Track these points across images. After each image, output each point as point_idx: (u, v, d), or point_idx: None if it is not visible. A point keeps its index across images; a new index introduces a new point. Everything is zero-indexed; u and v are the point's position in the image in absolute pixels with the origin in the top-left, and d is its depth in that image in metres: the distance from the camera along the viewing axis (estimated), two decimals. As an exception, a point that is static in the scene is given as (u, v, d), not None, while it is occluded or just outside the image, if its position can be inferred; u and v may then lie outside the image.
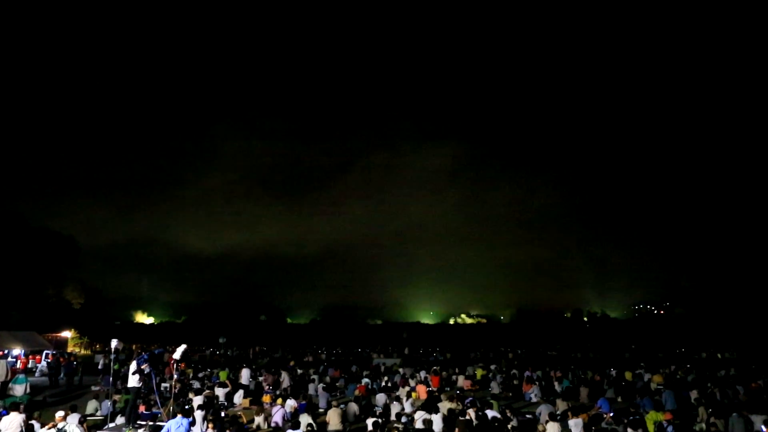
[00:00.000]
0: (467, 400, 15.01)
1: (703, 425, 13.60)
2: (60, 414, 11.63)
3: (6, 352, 28.55)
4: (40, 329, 35.82)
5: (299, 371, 26.71)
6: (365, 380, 22.64)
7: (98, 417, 15.31)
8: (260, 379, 23.01)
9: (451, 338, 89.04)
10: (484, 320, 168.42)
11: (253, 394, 19.15)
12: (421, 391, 18.50)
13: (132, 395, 13.55)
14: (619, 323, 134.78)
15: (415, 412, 14.31)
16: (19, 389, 17.06)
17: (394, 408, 15.63)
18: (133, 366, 13.59)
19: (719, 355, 46.88)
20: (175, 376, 16.37)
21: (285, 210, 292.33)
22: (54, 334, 41.37)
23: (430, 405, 14.39)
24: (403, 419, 14.09)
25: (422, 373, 25.03)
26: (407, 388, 18.78)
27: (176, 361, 15.50)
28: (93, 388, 21.97)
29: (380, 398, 17.38)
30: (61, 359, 27.33)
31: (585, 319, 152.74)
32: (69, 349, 41.42)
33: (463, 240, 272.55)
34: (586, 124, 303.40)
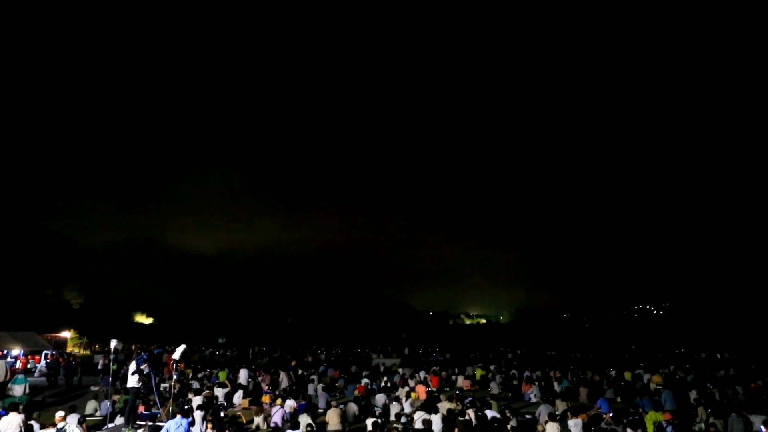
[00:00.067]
0: (467, 401, 15.00)
1: (703, 425, 13.60)
2: (60, 414, 11.62)
3: (5, 352, 28.52)
4: (39, 329, 35.76)
5: (300, 371, 26.67)
6: (365, 380, 22.63)
7: (97, 417, 15.29)
8: (258, 379, 23.00)
9: (451, 338, 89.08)
10: (483, 320, 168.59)
11: (253, 395, 19.13)
12: (421, 392, 18.48)
13: (131, 395, 13.55)
14: (618, 323, 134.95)
15: (414, 412, 14.30)
16: (18, 389, 17.04)
17: (394, 408, 15.62)
18: (132, 366, 13.60)
19: (718, 356, 46.90)
20: (175, 377, 16.35)
21: (285, 210, 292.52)
22: (53, 335, 41.34)
23: (429, 405, 14.38)
24: (403, 419, 14.08)
25: (422, 374, 25.02)
26: (407, 389, 18.76)
27: (175, 361, 15.50)
28: (92, 388, 21.95)
29: (380, 398, 17.37)
30: (61, 359, 27.31)
31: (584, 319, 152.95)
32: (68, 350, 41.39)
33: (463, 240, 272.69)
34: (584, 127, 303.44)
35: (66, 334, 45.12)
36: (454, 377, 25.38)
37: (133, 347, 47.96)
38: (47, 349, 31.47)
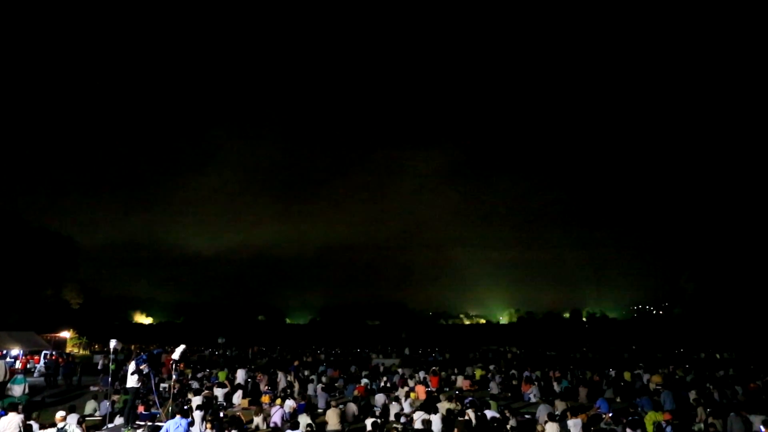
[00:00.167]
0: (466, 401, 15.01)
1: (702, 425, 13.62)
2: (60, 414, 11.62)
3: (5, 352, 28.51)
4: (38, 329, 35.77)
5: (302, 371, 26.60)
6: (364, 380, 22.64)
7: (97, 417, 15.28)
8: (257, 380, 22.98)
9: (450, 338, 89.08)
10: (482, 320, 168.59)
11: (252, 395, 19.14)
12: (420, 392, 18.49)
13: (131, 395, 13.54)
14: (617, 323, 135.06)
15: (414, 412, 14.30)
16: (17, 390, 17.02)
17: (393, 408, 15.63)
18: (131, 366, 13.59)
19: (718, 356, 46.89)
20: (174, 377, 16.35)
21: (284, 210, 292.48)
22: (53, 335, 41.35)
23: (429, 405, 14.39)
24: (402, 419, 14.09)
25: (421, 374, 25.02)
26: (406, 389, 18.77)
27: (175, 361, 15.50)
28: (92, 388, 21.95)
29: (379, 398, 17.38)
30: (60, 360, 27.31)
31: (584, 319, 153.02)
32: (68, 350, 41.39)
33: (463, 240, 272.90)
34: (585, 125, 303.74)
35: (65, 334, 45.14)
36: (453, 377, 25.39)
37: (133, 347, 47.95)
38: (47, 349, 31.46)
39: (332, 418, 13.76)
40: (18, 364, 28.08)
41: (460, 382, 23.96)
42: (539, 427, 12.50)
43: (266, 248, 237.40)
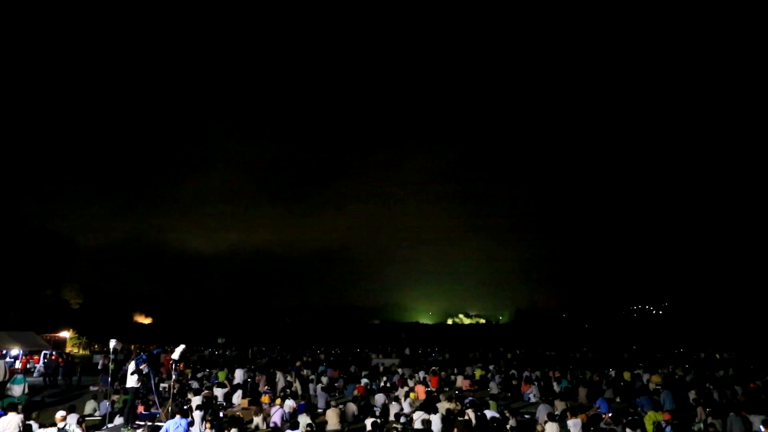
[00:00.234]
0: (466, 400, 15.01)
1: (702, 425, 13.61)
2: (61, 414, 11.61)
3: (5, 352, 28.49)
4: (38, 329, 35.74)
5: (305, 371, 26.52)
6: (364, 380, 22.62)
7: (96, 417, 15.27)
8: (256, 380, 22.95)
9: (450, 338, 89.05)
10: (482, 320, 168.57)
11: (252, 395, 19.13)
12: (420, 392, 18.48)
13: (130, 395, 13.54)
14: (617, 324, 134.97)
15: (413, 412, 14.29)
16: (17, 389, 17.00)
17: (393, 408, 15.62)
18: (131, 366, 13.58)
19: (718, 356, 46.92)
20: (174, 377, 16.34)
21: (283, 210, 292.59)
22: (53, 335, 41.33)
23: (428, 405, 14.38)
24: (402, 419, 14.08)
25: (421, 374, 25.01)
26: (406, 389, 18.77)
27: (174, 361, 15.49)
28: (91, 388, 21.94)
29: (379, 398, 17.37)
30: (60, 360, 27.28)
31: (584, 319, 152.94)
32: (68, 350, 41.36)
33: (462, 240, 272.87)
34: (585, 126, 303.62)
35: (65, 334, 45.12)
36: (453, 377, 25.38)
37: (133, 347, 47.93)
38: (47, 349, 31.44)
39: (332, 418, 13.75)
40: (18, 364, 28.06)
41: (460, 382, 23.95)
42: (539, 427, 12.49)
43: (266, 248, 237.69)
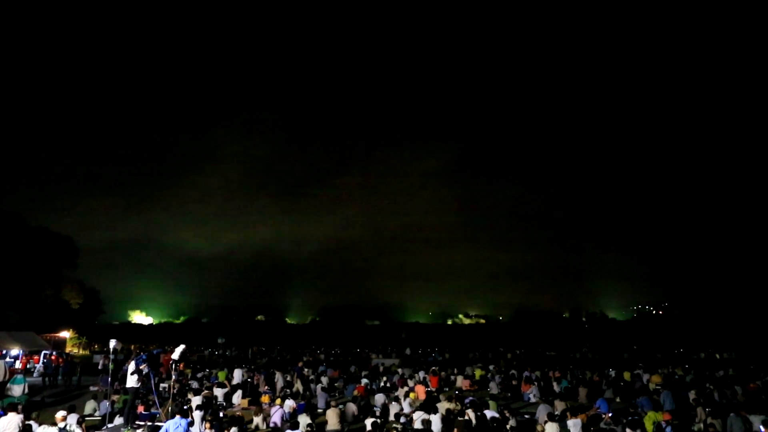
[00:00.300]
0: (467, 400, 15.01)
1: (701, 425, 13.62)
2: (61, 414, 11.61)
3: (5, 352, 28.48)
4: (38, 329, 35.72)
5: (307, 371, 26.51)
6: (364, 380, 22.62)
7: (96, 417, 15.28)
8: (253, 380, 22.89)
9: (450, 338, 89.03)
10: (482, 320, 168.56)
11: (252, 395, 19.14)
12: (420, 392, 18.49)
13: (130, 395, 13.54)
14: (617, 324, 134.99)
15: (413, 412, 14.29)
16: (17, 389, 17.01)
17: (393, 408, 15.63)
18: (131, 366, 13.58)
19: (717, 356, 46.90)
20: (174, 377, 16.34)
21: (284, 210, 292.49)
22: (52, 335, 41.31)
23: (428, 405, 14.38)
24: (402, 419, 14.08)
25: (421, 374, 25.01)
26: (406, 389, 18.78)
27: (174, 361, 15.49)
28: (91, 388, 21.94)
29: (379, 398, 17.37)
30: (60, 360, 27.28)
31: (583, 319, 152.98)
32: (67, 350, 41.36)
33: (462, 240, 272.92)
34: (585, 126, 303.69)
35: (65, 334, 45.11)
36: (453, 377, 25.37)
37: (133, 347, 47.94)
38: (47, 349, 31.44)
39: (332, 418, 13.75)
40: (18, 364, 28.06)
41: (460, 382, 23.95)
42: (539, 427, 12.50)
43: (266, 248, 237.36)
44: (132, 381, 13.35)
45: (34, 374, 27.52)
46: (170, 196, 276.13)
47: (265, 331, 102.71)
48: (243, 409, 17.23)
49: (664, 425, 12.36)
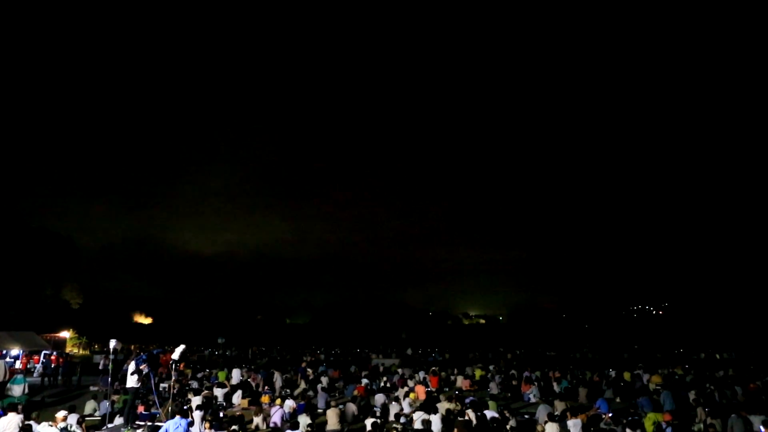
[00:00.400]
0: (467, 400, 15.01)
1: (702, 426, 13.62)
2: (62, 414, 11.61)
3: (5, 352, 28.47)
4: (38, 329, 35.72)
5: (309, 371, 26.46)
6: (364, 381, 22.62)
7: (96, 417, 15.27)
8: (249, 379, 22.83)
9: (450, 338, 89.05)
10: (482, 320, 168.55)
11: (252, 395, 19.13)
12: (420, 392, 18.48)
13: (130, 395, 13.54)
14: (617, 324, 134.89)
15: (413, 412, 14.30)
16: (17, 389, 17.00)
17: (393, 408, 15.62)
18: (131, 366, 13.58)
19: (717, 356, 46.91)
20: (174, 377, 16.34)
21: (284, 210, 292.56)
22: (52, 335, 41.29)
23: (428, 405, 14.38)
24: (402, 419, 14.08)
25: (421, 374, 25.01)
26: (406, 389, 18.78)
27: (174, 361, 15.49)
28: (91, 388, 21.93)
29: (379, 398, 17.37)
30: (60, 360, 27.27)
31: (584, 319, 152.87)
32: (68, 350, 41.34)
33: (463, 240, 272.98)
34: (584, 126, 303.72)
35: (65, 334, 45.09)
36: (453, 377, 25.37)
37: (133, 347, 47.93)
38: (47, 349, 31.44)
39: (332, 418, 13.75)
40: (18, 364, 28.05)
41: (460, 382, 23.94)
42: (539, 428, 12.50)
43: (266, 248, 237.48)
44: (132, 381, 13.34)
45: (34, 374, 27.53)
46: (170, 196, 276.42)
47: (265, 331, 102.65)
48: (243, 409, 17.22)
49: (664, 426, 12.36)
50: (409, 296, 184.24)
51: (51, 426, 11.17)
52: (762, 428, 12.61)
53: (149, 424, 13.71)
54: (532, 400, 19.91)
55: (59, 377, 25.00)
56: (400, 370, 27.58)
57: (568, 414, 13.42)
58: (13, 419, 11.16)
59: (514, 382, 23.41)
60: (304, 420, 12.89)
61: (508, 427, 13.06)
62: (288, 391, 20.02)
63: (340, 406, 15.26)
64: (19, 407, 12.36)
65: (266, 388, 20.91)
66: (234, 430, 11.84)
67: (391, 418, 14.80)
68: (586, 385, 21.09)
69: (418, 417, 13.15)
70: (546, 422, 12.59)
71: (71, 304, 55.21)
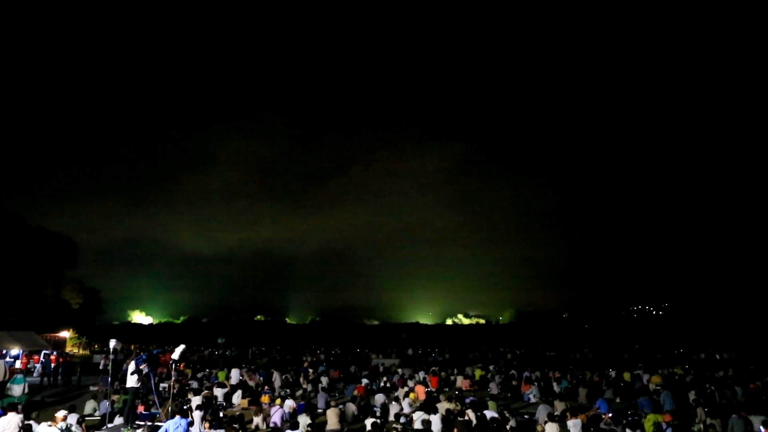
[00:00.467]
0: (467, 400, 15.00)
1: (701, 426, 13.62)
2: (62, 413, 11.61)
3: (5, 352, 28.48)
4: (38, 329, 35.70)
5: (310, 371, 26.46)
6: (364, 381, 22.62)
7: (96, 417, 15.27)
8: (246, 378, 22.80)
9: (450, 338, 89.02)
10: (482, 320, 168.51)
11: (252, 395, 19.14)
12: (420, 392, 18.48)
13: (130, 395, 13.54)
14: (617, 324, 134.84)
15: (413, 412, 14.30)
16: (17, 389, 17.00)
17: (393, 408, 15.62)
18: (131, 366, 13.58)
19: (717, 356, 46.87)
20: (174, 377, 16.34)
21: (283, 210, 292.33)
22: (52, 335, 41.28)
23: (428, 405, 14.39)
24: (402, 419, 14.08)
25: (421, 374, 25.01)
26: (406, 389, 18.78)
27: (174, 361, 15.49)
28: (91, 388, 21.93)
29: (379, 398, 17.37)
30: (60, 359, 27.27)
31: (583, 319, 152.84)
32: (67, 349, 41.33)
33: (462, 240, 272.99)
34: (584, 126, 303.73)
35: (65, 334, 45.08)
36: (453, 377, 25.36)
37: (132, 347, 47.92)
38: (47, 349, 31.44)
39: (332, 418, 13.75)
40: (18, 364, 28.05)
41: (460, 382, 23.93)
42: (539, 428, 12.50)
43: (266, 248, 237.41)
44: (132, 381, 13.35)
45: (34, 374, 27.54)
46: (170, 196, 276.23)
47: (265, 331, 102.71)
48: (243, 409, 17.22)
49: (664, 426, 12.36)
50: (409, 296, 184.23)
51: (51, 426, 11.16)
52: (762, 428, 12.61)
53: (149, 424, 13.71)
54: (532, 400, 19.91)
55: (59, 377, 24.98)
56: (400, 370, 27.58)
57: (568, 414, 13.42)
58: (13, 419, 11.16)
59: (514, 382, 23.40)
60: (304, 420, 12.89)
61: (508, 427, 13.06)
62: (288, 391, 20.01)
63: (340, 406, 15.26)
64: (19, 407, 12.36)
65: (266, 387, 20.91)
66: (235, 428, 11.82)
67: (391, 418, 14.81)
68: (586, 385, 21.09)
69: (418, 417, 13.16)
70: (546, 422, 12.60)
71: (71, 304, 55.13)
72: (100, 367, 28.12)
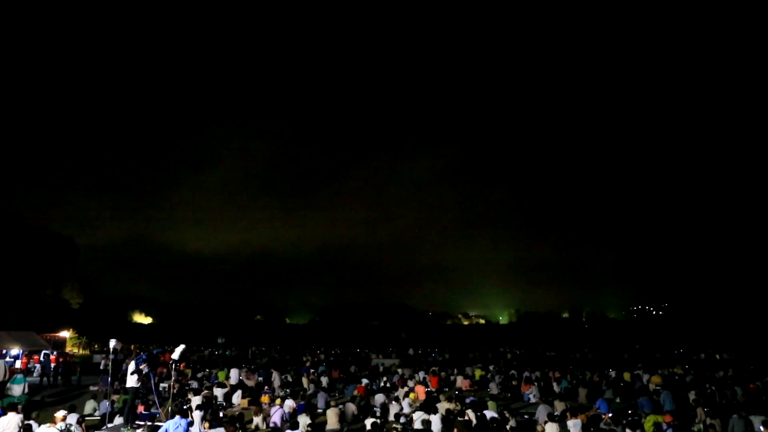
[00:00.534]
0: (467, 400, 14.99)
1: (701, 426, 13.61)
2: (62, 413, 11.61)
3: (5, 352, 28.49)
4: (38, 329, 35.74)
5: (311, 371, 26.40)
6: (364, 381, 22.62)
7: (96, 417, 15.27)
8: (243, 378, 22.78)
9: (450, 338, 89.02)
10: (482, 320, 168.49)
11: (252, 395, 19.13)
12: (420, 392, 18.47)
13: (130, 395, 13.53)
14: (617, 324, 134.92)
15: (413, 412, 14.29)
16: (17, 389, 17.00)
17: (393, 408, 15.62)
18: (131, 366, 13.58)
19: (717, 356, 46.88)
20: (174, 377, 16.34)
21: (283, 210, 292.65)
22: (52, 335, 41.26)
23: (428, 405, 14.38)
24: (402, 419, 14.08)
25: (421, 374, 25.01)
26: (406, 389, 18.77)
27: (174, 361, 15.49)
28: (91, 388, 21.93)
29: (379, 398, 17.36)
30: (60, 359, 27.27)
31: (584, 319, 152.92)
32: (67, 349, 41.32)
33: (462, 240, 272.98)
34: (583, 127, 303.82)
35: (65, 334, 45.07)
36: (453, 377, 25.36)
37: (132, 347, 47.92)
38: (46, 349, 31.44)
39: (332, 418, 13.75)
40: (18, 364, 28.05)
41: (460, 382, 23.93)
42: (539, 428, 12.49)
43: (266, 248, 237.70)
44: (132, 381, 13.34)
45: (34, 374, 27.53)
46: (170, 196, 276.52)
47: (264, 331, 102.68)
48: (243, 409, 17.21)
49: (664, 426, 12.36)
50: (409, 296, 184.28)
51: (50, 426, 11.16)
52: (762, 429, 12.60)
53: (149, 424, 13.70)
54: (532, 400, 19.91)
55: (59, 377, 24.98)
56: (400, 370, 27.58)
57: (568, 414, 13.42)
58: (13, 419, 11.16)
59: (514, 382, 23.39)
60: (303, 420, 12.89)
61: (508, 427, 13.05)
62: (288, 391, 20.01)
63: (340, 406, 15.26)
64: (19, 407, 12.36)
65: (266, 387, 20.91)
66: (236, 426, 11.82)
67: (391, 418, 14.80)
68: (586, 385, 21.09)
69: (418, 417, 13.15)
70: (546, 422, 12.59)
71: (71, 304, 55.15)
72: (100, 367, 28.15)
